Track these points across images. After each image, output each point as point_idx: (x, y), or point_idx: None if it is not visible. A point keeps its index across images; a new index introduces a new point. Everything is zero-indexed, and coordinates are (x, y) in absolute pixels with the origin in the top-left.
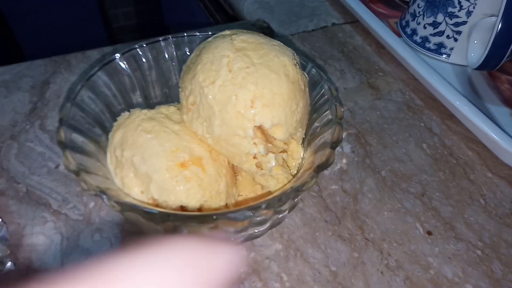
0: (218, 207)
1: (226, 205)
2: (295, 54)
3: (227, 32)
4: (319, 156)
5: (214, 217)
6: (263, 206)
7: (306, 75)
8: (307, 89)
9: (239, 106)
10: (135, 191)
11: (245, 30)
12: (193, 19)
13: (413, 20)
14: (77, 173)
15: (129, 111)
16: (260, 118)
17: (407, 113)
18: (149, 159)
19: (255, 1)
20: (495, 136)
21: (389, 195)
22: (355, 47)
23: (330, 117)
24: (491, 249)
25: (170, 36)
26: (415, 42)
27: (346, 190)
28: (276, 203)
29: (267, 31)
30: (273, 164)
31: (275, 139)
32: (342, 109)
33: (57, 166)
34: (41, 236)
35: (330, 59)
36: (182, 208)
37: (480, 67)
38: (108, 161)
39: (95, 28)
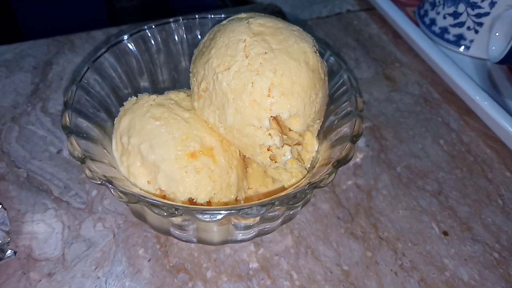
0: (228, 200)
1: (236, 199)
2: (314, 40)
3: (243, 15)
4: (337, 150)
5: (226, 212)
6: (277, 203)
7: (325, 63)
8: (326, 78)
9: (256, 94)
10: (142, 180)
11: (262, 14)
12: (201, 1)
13: (432, 9)
14: (82, 160)
15: (136, 96)
16: (277, 108)
17: (424, 106)
18: (158, 148)
19: None
20: None
21: (405, 192)
22: (371, 36)
23: (349, 109)
24: (508, 251)
25: (181, 18)
26: (433, 32)
27: (360, 186)
28: (291, 199)
29: (279, 16)
30: (288, 157)
31: (290, 130)
32: (362, 100)
33: (59, 151)
34: (41, 223)
35: (345, 47)
36: (191, 200)
37: (502, 61)
38: (114, 148)
39: (96, 8)
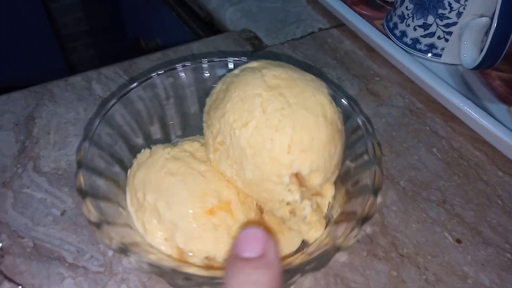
0: None
1: None
2: (328, 88)
3: (254, 64)
4: (357, 203)
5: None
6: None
7: (340, 110)
8: (343, 126)
9: (275, 151)
10: (158, 238)
11: (275, 62)
12: (164, 28)
13: (401, 22)
14: (98, 225)
15: (149, 146)
16: (297, 165)
17: (411, 117)
18: (175, 206)
19: (237, 10)
20: (502, 136)
21: (413, 205)
22: (347, 52)
23: (366, 157)
24: None
25: (188, 63)
26: (405, 43)
27: None
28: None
29: (255, 41)
30: (308, 212)
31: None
32: (378, 142)
33: (63, 213)
34: None
35: (325, 67)
36: (209, 258)
37: (476, 68)
38: (128, 202)
39: (43, 37)
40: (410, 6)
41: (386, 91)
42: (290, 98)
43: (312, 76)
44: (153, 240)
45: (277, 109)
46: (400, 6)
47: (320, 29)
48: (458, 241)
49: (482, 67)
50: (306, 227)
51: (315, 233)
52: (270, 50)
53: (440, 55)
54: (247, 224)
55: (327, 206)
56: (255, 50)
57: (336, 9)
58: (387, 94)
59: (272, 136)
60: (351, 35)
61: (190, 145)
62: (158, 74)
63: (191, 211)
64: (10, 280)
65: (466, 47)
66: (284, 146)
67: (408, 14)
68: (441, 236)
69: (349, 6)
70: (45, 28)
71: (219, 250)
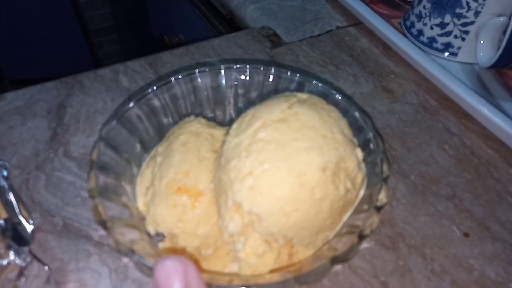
0: (186, 243)
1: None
2: (339, 156)
3: (303, 96)
4: (360, 218)
5: None
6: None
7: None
8: (327, 202)
9: (233, 172)
10: (142, 186)
11: (316, 99)
12: (187, 25)
13: (419, 21)
14: (93, 196)
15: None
16: (241, 198)
17: (424, 114)
18: (164, 166)
19: (257, 8)
20: None
21: (422, 199)
22: (363, 50)
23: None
24: None
25: (233, 65)
26: (422, 42)
27: None
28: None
29: (274, 38)
30: (240, 248)
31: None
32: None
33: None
34: (87, 270)
35: (342, 64)
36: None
37: (492, 66)
38: (151, 154)
39: (71, 31)
40: (428, 5)
41: (401, 88)
42: (283, 138)
43: (334, 133)
44: (138, 188)
45: (263, 139)
46: (417, 5)
47: (338, 27)
48: (466, 234)
49: (498, 66)
50: (243, 263)
51: (241, 269)
52: (288, 47)
53: (456, 54)
54: (202, 224)
55: (284, 262)
56: (274, 46)
57: (355, 8)
58: (402, 92)
59: (241, 157)
60: (368, 34)
61: (220, 132)
62: (200, 72)
63: (169, 178)
64: (39, 260)
65: (483, 46)
66: (241, 173)
67: (425, 13)
68: (449, 230)
69: (367, 5)
70: (73, 22)
71: (164, 224)
